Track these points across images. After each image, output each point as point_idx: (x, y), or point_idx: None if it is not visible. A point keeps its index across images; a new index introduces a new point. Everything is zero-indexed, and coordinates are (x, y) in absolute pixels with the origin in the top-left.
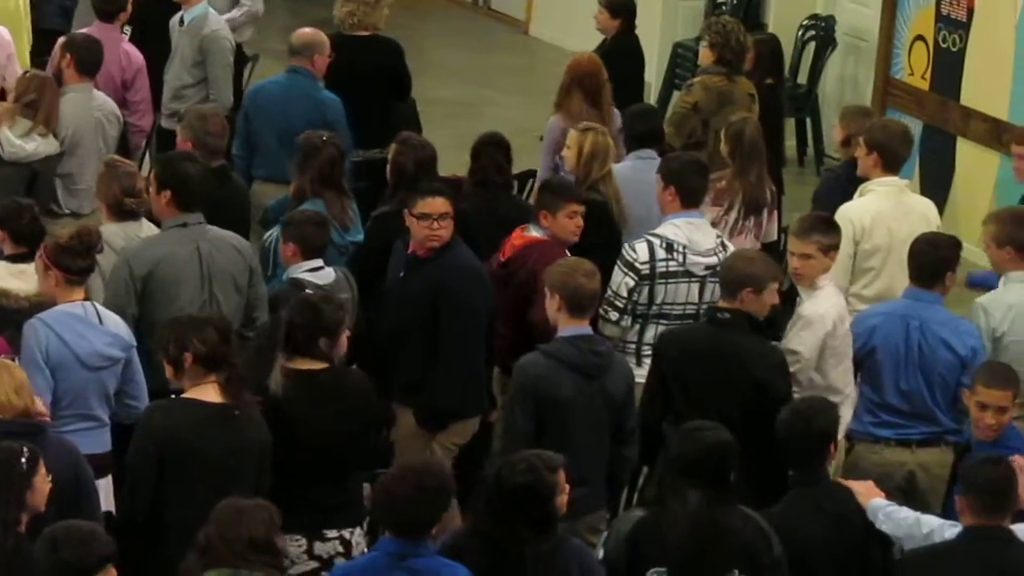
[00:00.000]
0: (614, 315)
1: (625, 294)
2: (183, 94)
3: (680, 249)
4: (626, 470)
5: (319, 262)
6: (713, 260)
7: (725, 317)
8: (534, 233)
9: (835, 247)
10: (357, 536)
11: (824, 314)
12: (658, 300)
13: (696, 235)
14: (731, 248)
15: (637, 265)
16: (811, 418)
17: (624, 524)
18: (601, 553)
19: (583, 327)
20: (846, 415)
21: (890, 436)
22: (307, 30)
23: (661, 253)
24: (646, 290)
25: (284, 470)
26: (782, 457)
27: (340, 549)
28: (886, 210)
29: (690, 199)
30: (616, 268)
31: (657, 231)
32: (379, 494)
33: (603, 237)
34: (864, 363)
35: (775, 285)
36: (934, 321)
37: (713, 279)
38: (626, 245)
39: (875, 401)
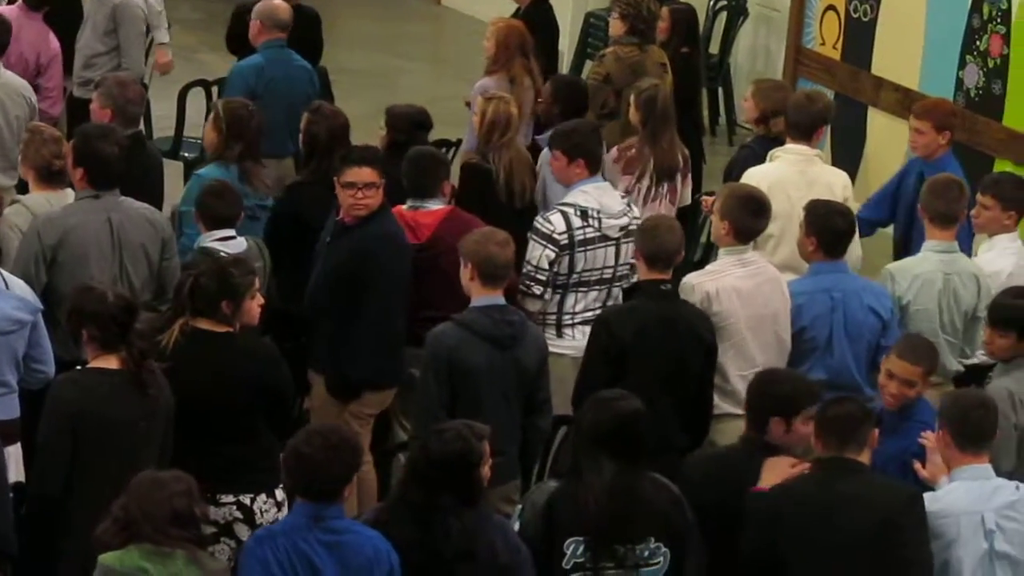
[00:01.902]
0: (538, 289)
1: (547, 267)
2: (95, 62)
3: (594, 215)
4: (539, 440)
5: (230, 231)
6: (624, 221)
7: (668, 290)
8: (435, 206)
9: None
10: (261, 502)
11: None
12: (578, 268)
13: (605, 199)
14: (635, 210)
15: (555, 236)
16: (773, 382)
17: (539, 495)
18: (517, 524)
19: (496, 297)
20: None
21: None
22: (284, 4)
23: (577, 221)
24: (566, 260)
25: (176, 433)
26: (747, 418)
27: (238, 515)
28: (788, 177)
29: (596, 166)
30: (532, 242)
31: (568, 200)
32: (288, 459)
33: (477, 204)
34: (795, 344)
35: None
36: (854, 289)
37: (627, 240)
38: (539, 218)
39: None
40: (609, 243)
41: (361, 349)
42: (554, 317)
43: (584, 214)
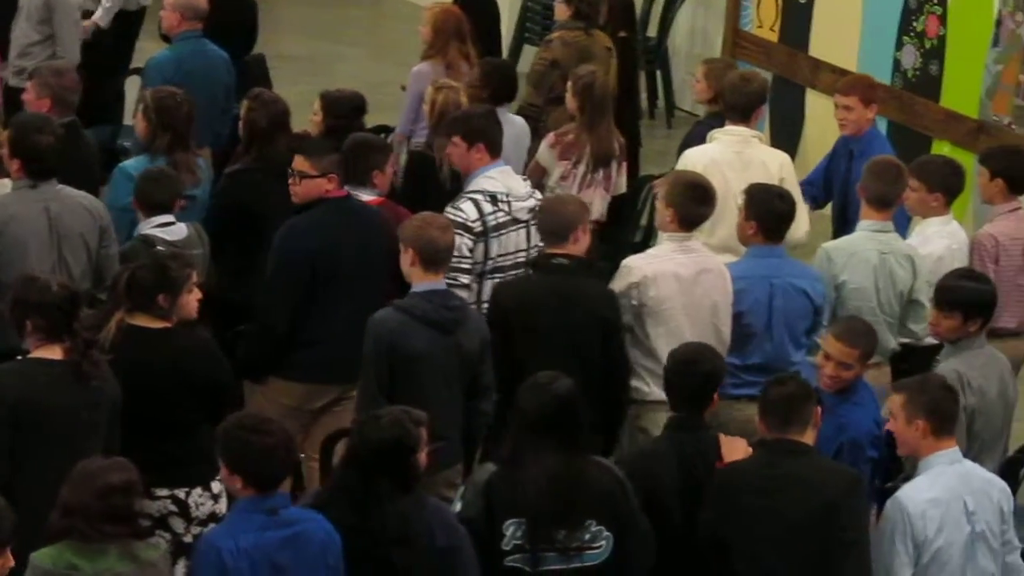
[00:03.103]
0: (465, 278)
1: (468, 255)
2: (30, 51)
3: (504, 199)
4: (481, 424)
5: (169, 217)
6: (532, 203)
7: (563, 263)
8: (365, 196)
9: None
10: (196, 496)
11: None
12: (493, 254)
13: (511, 182)
14: (537, 192)
15: (469, 224)
16: (697, 361)
17: (480, 475)
18: (458, 506)
19: (437, 282)
20: None
21: (752, 393)
22: None
23: (488, 207)
24: (481, 247)
25: None
26: (669, 399)
27: (173, 508)
28: (723, 158)
29: (496, 150)
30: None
31: (474, 187)
32: (234, 449)
33: (422, 192)
34: (732, 329)
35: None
36: (791, 274)
37: (535, 222)
38: (450, 207)
39: (737, 365)
40: (520, 226)
41: (258, 332)
42: (473, 306)
43: (494, 199)
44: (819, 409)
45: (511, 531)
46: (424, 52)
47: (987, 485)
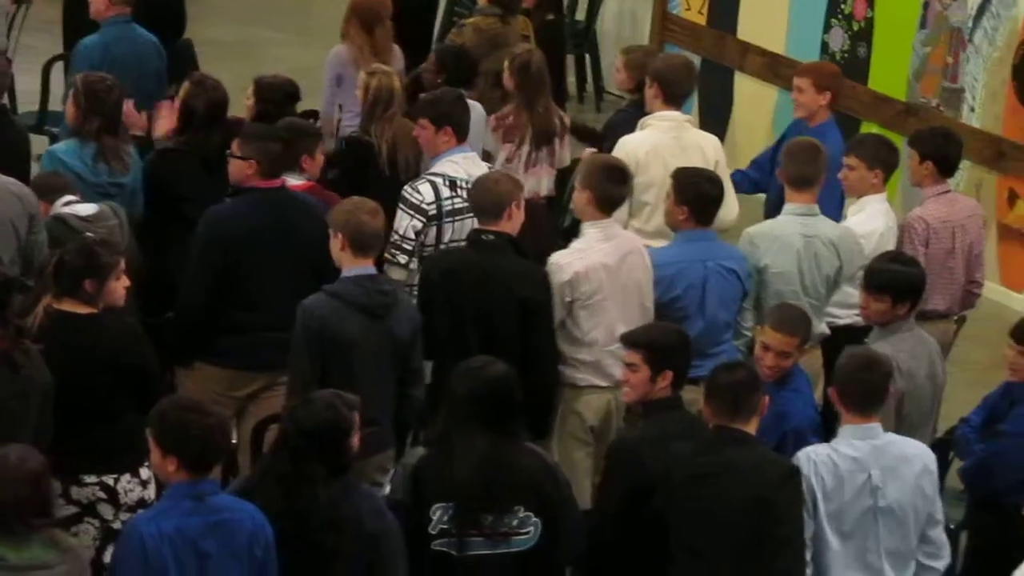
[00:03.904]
0: (403, 258)
1: (413, 236)
2: None
3: (463, 185)
4: (413, 409)
5: (72, 196)
6: None
7: (489, 239)
8: (294, 181)
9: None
10: (125, 482)
11: None
12: (445, 239)
13: (473, 169)
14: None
15: (424, 206)
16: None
17: (410, 460)
18: (388, 490)
19: (367, 266)
20: None
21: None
22: None
23: (446, 191)
24: (433, 230)
25: None
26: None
27: (101, 495)
28: (662, 144)
29: (463, 134)
30: (400, 211)
31: (436, 170)
32: (167, 431)
33: (359, 178)
34: (665, 313)
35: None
36: (723, 256)
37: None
38: (408, 187)
39: None
40: None
41: (176, 317)
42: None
43: (453, 184)
44: (765, 398)
45: (438, 515)
46: (341, 32)
47: (902, 463)
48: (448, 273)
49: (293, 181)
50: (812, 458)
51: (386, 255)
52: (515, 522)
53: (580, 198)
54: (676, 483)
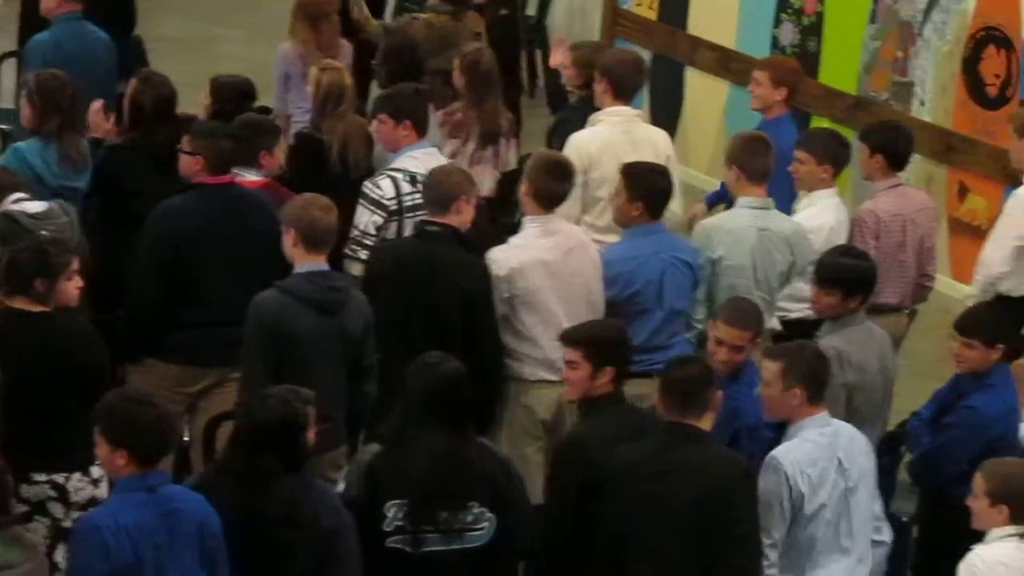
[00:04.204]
0: (364, 254)
1: (374, 232)
2: None
3: (423, 180)
4: (366, 405)
5: (21, 193)
6: None
7: (434, 230)
8: (251, 177)
9: None
10: (75, 481)
11: None
12: (406, 234)
13: (434, 164)
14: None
15: (384, 202)
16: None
17: (364, 457)
18: (342, 487)
19: (320, 263)
20: None
21: (642, 369)
22: None
23: (406, 187)
24: (394, 226)
25: None
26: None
27: (52, 493)
28: (614, 140)
29: (423, 129)
30: (360, 207)
31: (397, 165)
32: (116, 422)
33: (310, 175)
34: (623, 308)
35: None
36: (676, 249)
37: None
38: (368, 183)
39: None
40: None
41: (128, 311)
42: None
43: (413, 179)
44: (719, 393)
45: (393, 512)
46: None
47: (853, 443)
48: (393, 264)
49: (250, 177)
50: (793, 457)
51: (347, 251)
52: (470, 518)
53: (522, 191)
54: (628, 482)
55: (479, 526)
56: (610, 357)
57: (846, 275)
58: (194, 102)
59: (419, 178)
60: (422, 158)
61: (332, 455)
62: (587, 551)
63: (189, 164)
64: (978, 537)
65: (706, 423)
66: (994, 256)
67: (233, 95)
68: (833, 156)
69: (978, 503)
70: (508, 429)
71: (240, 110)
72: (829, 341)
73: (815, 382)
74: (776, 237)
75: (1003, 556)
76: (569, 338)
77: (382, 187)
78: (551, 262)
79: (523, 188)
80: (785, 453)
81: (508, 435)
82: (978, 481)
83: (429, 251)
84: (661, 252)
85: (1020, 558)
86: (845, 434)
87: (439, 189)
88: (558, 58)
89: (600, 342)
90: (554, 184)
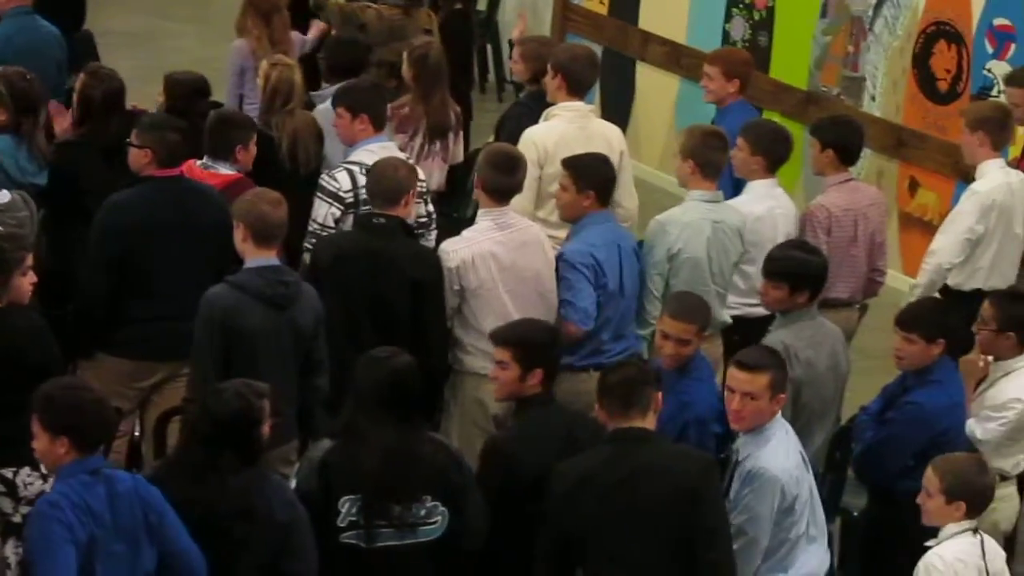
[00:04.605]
0: None
1: (332, 224)
2: None
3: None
4: (317, 400)
5: None
6: None
7: (381, 223)
8: (224, 171)
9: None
10: (24, 475)
11: None
12: None
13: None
14: (419, 170)
15: (341, 194)
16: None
17: (315, 453)
18: (294, 483)
19: (270, 257)
20: None
21: (588, 364)
22: None
23: (363, 180)
24: (351, 218)
25: None
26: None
27: (1, 488)
28: (569, 135)
29: (380, 123)
30: (317, 199)
31: (354, 158)
32: (60, 412)
33: (260, 171)
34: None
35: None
36: (626, 237)
37: (416, 199)
38: (324, 175)
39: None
40: None
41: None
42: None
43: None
44: (659, 394)
45: (346, 508)
46: (236, 26)
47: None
48: (339, 259)
49: (222, 171)
50: (780, 465)
51: (305, 244)
52: (423, 512)
53: (476, 184)
54: (587, 494)
55: (432, 520)
56: (540, 358)
57: (794, 269)
58: (144, 96)
59: None
60: (378, 152)
61: (283, 450)
62: (513, 553)
63: (138, 158)
64: (923, 531)
65: (649, 423)
66: (944, 246)
67: (187, 91)
68: (765, 150)
69: (933, 501)
70: (459, 422)
71: (193, 107)
72: (777, 336)
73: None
74: (729, 229)
75: (960, 553)
76: (499, 338)
77: (339, 180)
78: (503, 255)
79: (476, 181)
80: (772, 462)
81: (459, 428)
82: (931, 479)
83: (376, 243)
84: (618, 240)
85: (976, 553)
86: (791, 431)
87: (388, 183)
88: (517, 33)
89: (530, 343)
90: (503, 177)
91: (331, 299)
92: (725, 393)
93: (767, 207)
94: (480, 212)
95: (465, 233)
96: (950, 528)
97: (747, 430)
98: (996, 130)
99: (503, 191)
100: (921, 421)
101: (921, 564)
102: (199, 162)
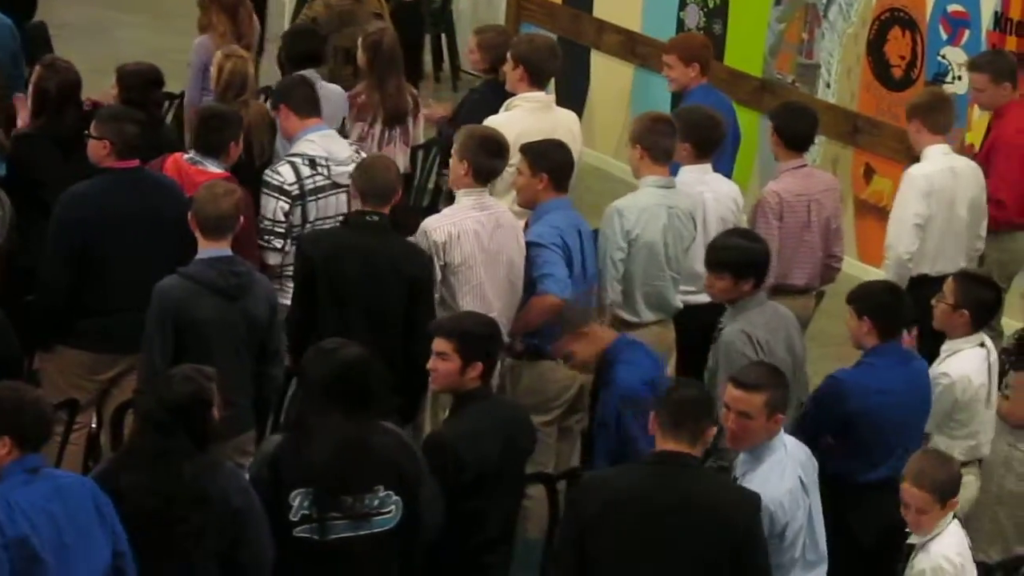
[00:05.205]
0: (277, 242)
1: (283, 218)
2: None
3: (323, 162)
4: (273, 390)
5: None
6: (353, 167)
7: (375, 221)
8: (214, 169)
9: None
10: None
11: None
12: (311, 218)
13: (332, 146)
14: (364, 155)
15: (286, 187)
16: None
17: (268, 446)
18: (247, 476)
19: (222, 248)
20: None
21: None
22: None
23: (306, 171)
24: (299, 210)
25: None
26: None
27: None
28: (532, 125)
29: (316, 112)
30: (264, 195)
31: (295, 150)
32: (5, 411)
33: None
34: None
35: None
36: (585, 223)
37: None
38: (268, 171)
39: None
40: (340, 190)
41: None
42: (291, 269)
43: (313, 162)
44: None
45: (298, 501)
46: (199, 23)
47: (804, 451)
48: (333, 259)
49: (213, 167)
50: (772, 491)
51: (260, 241)
52: (376, 502)
53: (457, 168)
54: (621, 518)
55: (386, 509)
56: (481, 352)
57: (736, 258)
58: (98, 88)
59: (318, 160)
60: (319, 141)
61: (239, 440)
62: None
63: (96, 149)
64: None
65: (696, 453)
66: (897, 236)
67: (140, 82)
68: (691, 133)
69: (928, 515)
70: (431, 408)
71: (147, 98)
72: (735, 326)
73: (787, 404)
74: (682, 214)
75: (958, 547)
76: (441, 329)
77: (282, 173)
78: (482, 235)
79: (458, 165)
80: (761, 487)
81: (431, 414)
82: (918, 496)
83: (373, 242)
84: (577, 224)
85: (966, 543)
86: (800, 449)
87: (380, 182)
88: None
89: (472, 336)
90: (490, 160)
91: (324, 300)
92: (722, 411)
93: (696, 191)
94: (460, 192)
95: (446, 211)
96: (940, 526)
97: (744, 450)
98: (928, 114)
99: (488, 172)
100: (832, 396)
101: (928, 568)
102: (186, 156)
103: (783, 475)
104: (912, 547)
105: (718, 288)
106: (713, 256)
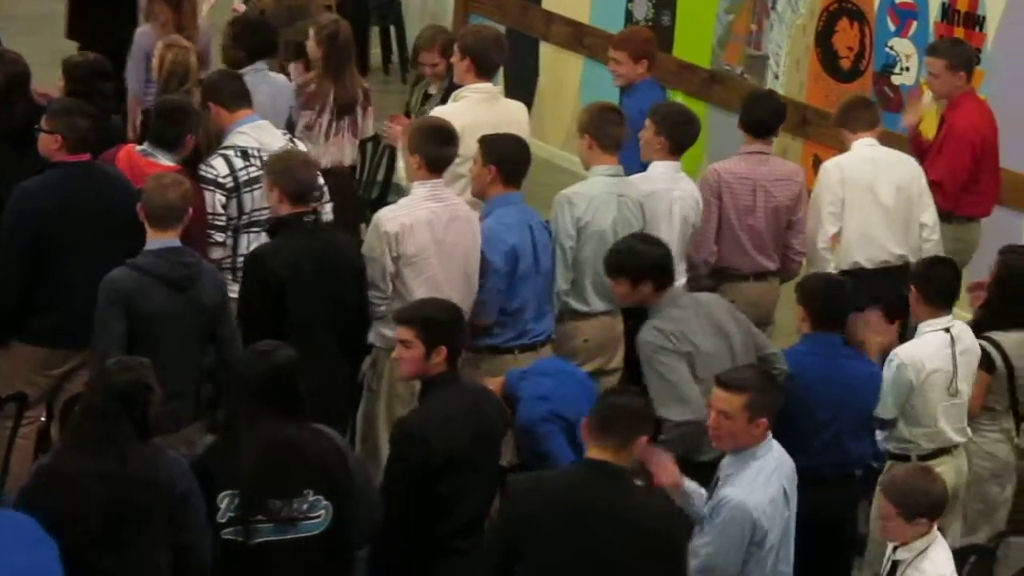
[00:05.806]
0: (219, 236)
1: (222, 211)
2: None
3: (255, 153)
4: (226, 375)
5: None
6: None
7: (312, 220)
8: (165, 162)
9: None
10: None
11: None
12: (247, 209)
13: (264, 137)
14: (300, 144)
15: (221, 180)
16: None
17: (200, 448)
18: None
19: (171, 239)
20: None
21: (512, 345)
22: None
23: (239, 163)
24: (234, 202)
25: None
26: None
27: None
28: (480, 117)
29: (245, 103)
30: (203, 190)
31: (227, 143)
32: None
33: None
34: (511, 280)
35: None
36: (534, 215)
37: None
38: (202, 165)
39: (507, 312)
40: None
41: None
42: (230, 261)
43: (245, 154)
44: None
45: (226, 503)
46: (143, 12)
47: (790, 464)
48: (293, 267)
49: (165, 161)
50: (755, 501)
51: (208, 236)
52: (305, 506)
53: (409, 163)
54: (550, 523)
55: (314, 514)
56: (443, 337)
57: (630, 263)
58: (48, 81)
59: (251, 151)
60: (251, 132)
61: (186, 431)
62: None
63: (47, 143)
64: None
65: (622, 461)
66: (813, 229)
67: (86, 73)
68: (671, 130)
69: (892, 523)
70: (386, 397)
71: (94, 89)
72: (649, 325)
73: (775, 408)
74: (632, 203)
75: (948, 562)
76: (403, 318)
77: (215, 167)
78: (437, 225)
79: (411, 160)
80: (746, 497)
81: (385, 403)
82: (883, 506)
83: (320, 242)
84: (528, 219)
85: (949, 555)
86: (786, 462)
87: (305, 183)
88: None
89: (434, 322)
90: (441, 149)
91: (292, 310)
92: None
93: (664, 187)
94: (415, 184)
95: (402, 201)
96: (922, 542)
97: (729, 451)
98: (846, 121)
99: (439, 162)
100: None
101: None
102: (138, 148)
103: (768, 482)
104: (896, 562)
105: (619, 293)
106: (609, 261)
